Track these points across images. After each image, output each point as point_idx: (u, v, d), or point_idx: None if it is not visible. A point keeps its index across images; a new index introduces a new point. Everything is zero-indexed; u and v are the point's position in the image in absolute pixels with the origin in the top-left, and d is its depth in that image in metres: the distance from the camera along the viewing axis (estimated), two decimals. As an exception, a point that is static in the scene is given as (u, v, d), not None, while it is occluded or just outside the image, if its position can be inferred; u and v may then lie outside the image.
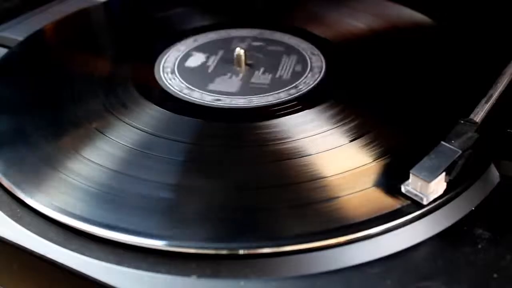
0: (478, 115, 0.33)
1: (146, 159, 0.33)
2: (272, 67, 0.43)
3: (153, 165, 0.33)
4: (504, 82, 0.36)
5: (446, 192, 0.29)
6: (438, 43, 0.46)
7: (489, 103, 0.34)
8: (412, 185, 0.29)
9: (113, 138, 0.35)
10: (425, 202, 0.29)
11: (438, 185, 0.29)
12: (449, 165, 0.29)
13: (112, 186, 0.31)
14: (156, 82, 0.42)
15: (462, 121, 0.32)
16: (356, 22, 0.49)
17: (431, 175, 0.28)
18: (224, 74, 0.43)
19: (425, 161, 0.29)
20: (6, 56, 0.47)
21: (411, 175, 0.29)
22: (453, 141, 0.31)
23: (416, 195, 0.29)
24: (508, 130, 0.34)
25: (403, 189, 0.29)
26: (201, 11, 0.54)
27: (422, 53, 0.44)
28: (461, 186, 0.30)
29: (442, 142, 0.31)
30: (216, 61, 0.45)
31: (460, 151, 0.30)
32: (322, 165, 0.32)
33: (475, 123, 0.33)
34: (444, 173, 0.29)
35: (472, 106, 0.34)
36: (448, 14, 0.50)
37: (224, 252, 0.27)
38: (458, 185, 0.30)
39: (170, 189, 0.31)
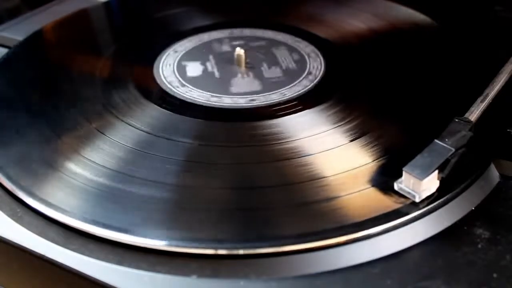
0: (474, 114, 0.33)
1: (146, 159, 0.33)
2: (271, 68, 0.43)
3: (153, 165, 0.33)
4: (500, 82, 0.37)
5: (446, 191, 0.29)
6: (437, 43, 0.46)
7: (484, 102, 0.34)
8: (404, 183, 0.29)
9: (113, 138, 0.35)
10: (417, 200, 0.29)
11: (431, 183, 0.29)
12: (442, 163, 0.29)
13: (112, 186, 0.31)
14: (156, 82, 0.42)
15: (456, 120, 0.32)
16: (356, 22, 0.49)
17: (424, 173, 0.28)
18: (224, 74, 0.43)
19: (418, 159, 0.29)
20: (6, 56, 0.47)
21: (404, 172, 0.29)
22: (446, 139, 0.31)
23: (408, 192, 0.29)
24: (508, 130, 0.34)
25: (396, 187, 0.30)
26: (201, 11, 0.54)
27: (422, 53, 0.44)
28: (461, 186, 0.30)
29: (436, 140, 0.31)
30: (216, 61, 0.45)
31: (453, 149, 0.30)
32: (322, 165, 0.32)
33: (470, 121, 0.33)
34: (436, 171, 0.29)
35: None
36: (447, 14, 0.50)
37: (224, 252, 0.27)
38: (458, 185, 0.30)
39: (170, 189, 0.31)
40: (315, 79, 0.41)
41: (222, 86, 0.41)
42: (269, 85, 0.41)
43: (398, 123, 0.36)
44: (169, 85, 0.41)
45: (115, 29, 0.54)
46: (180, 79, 0.42)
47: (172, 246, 0.27)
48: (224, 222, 0.29)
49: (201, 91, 0.40)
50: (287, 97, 0.39)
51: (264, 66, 0.44)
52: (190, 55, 0.46)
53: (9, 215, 0.30)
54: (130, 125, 0.36)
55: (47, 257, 0.28)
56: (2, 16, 0.62)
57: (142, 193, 0.31)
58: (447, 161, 0.30)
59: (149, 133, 0.36)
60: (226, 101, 0.39)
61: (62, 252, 0.28)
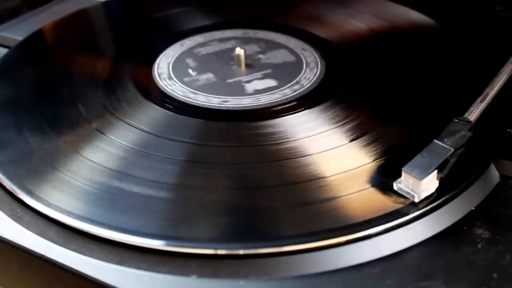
0: (473, 114, 0.33)
1: (146, 159, 0.33)
2: (272, 68, 0.43)
3: (153, 165, 0.33)
4: (500, 82, 0.36)
5: (445, 192, 0.29)
6: (437, 43, 0.46)
7: (484, 102, 0.34)
8: (404, 183, 0.29)
9: (113, 138, 0.35)
10: (416, 200, 0.29)
11: (430, 183, 0.29)
12: (441, 163, 0.29)
13: (112, 186, 0.31)
14: (156, 82, 0.42)
15: (456, 120, 0.32)
16: (356, 22, 0.49)
17: (423, 173, 0.28)
18: (223, 74, 0.43)
19: (417, 159, 0.29)
20: (6, 56, 0.47)
21: (403, 172, 0.29)
22: (446, 140, 0.31)
23: (408, 192, 0.29)
24: (508, 130, 0.34)
25: (395, 187, 0.30)
26: (201, 11, 0.54)
27: (422, 53, 0.44)
28: (461, 186, 0.30)
29: (435, 140, 0.31)
30: (215, 61, 0.45)
31: (452, 149, 0.30)
32: (322, 165, 0.32)
33: (469, 122, 0.33)
34: (436, 171, 0.29)
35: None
36: (447, 14, 0.50)
37: (224, 252, 0.27)
38: (458, 185, 0.30)
39: (170, 189, 0.31)
40: (315, 79, 0.41)
41: (222, 87, 0.41)
42: (269, 86, 0.41)
43: (398, 123, 0.36)
44: (168, 86, 0.41)
45: (115, 29, 0.54)
46: (180, 79, 0.42)
47: (172, 246, 0.27)
48: (224, 222, 0.29)
49: (201, 92, 0.40)
50: (287, 98, 0.39)
51: (264, 67, 0.44)
52: (190, 55, 0.46)
53: (9, 215, 0.30)
54: (130, 125, 0.36)
55: (47, 257, 0.28)
56: (2, 16, 0.62)
57: (142, 193, 0.31)
58: (446, 161, 0.30)
59: (149, 133, 0.36)
60: (226, 102, 0.39)
61: (62, 252, 0.28)
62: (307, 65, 0.43)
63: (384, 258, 0.27)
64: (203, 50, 0.46)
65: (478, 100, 0.35)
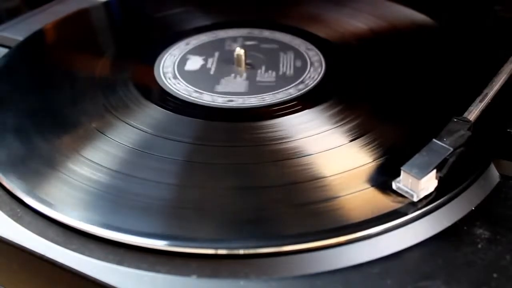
0: (472, 114, 0.33)
1: (146, 159, 0.33)
2: (272, 68, 0.43)
3: (153, 165, 0.33)
4: (500, 82, 0.37)
5: (445, 191, 0.29)
6: (437, 43, 0.46)
7: (483, 102, 0.34)
8: (403, 182, 0.29)
9: (113, 138, 0.35)
10: (415, 199, 0.29)
11: (429, 182, 0.29)
12: (440, 163, 0.29)
13: (112, 186, 0.31)
14: (156, 82, 0.42)
15: (455, 119, 0.32)
16: (356, 22, 0.49)
17: (422, 172, 0.29)
18: (224, 74, 0.43)
19: (416, 158, 0.29)
20: (6, 56, 0.47)
21: (402, 172, 0.29)
22: (445, 139, 0.31)
23: (406, 192, 0.29)
24: (508, 130, 0.34)
25: (394, 186, 0.30)
26: (201, 11, 0.54)
27: (421, 53, 0.44)
28: (461, 186, 0.30)
29: (434, 140, 0.31)
30: (215, 61, 0.45)
31: (451, 149, 0.30)
32: (322, 165, 0.32)
33: (468, 121, 0.33)
34: (435, 171, 0.29)
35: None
36: (446, 14, 0.50)
37: (224, 252, 0.27)
38: (458, 185, 0.30)
39: (170, 189, 0.31)
40: (315, 79, 0.41)
41: (222, 87, 0.41)
42: (269, 86, 0.41)
43: (398, 123, 0.36)
44: (168, 85, 0.41)
45: (115, 29, 0.54)
46: (180, 79, 0.42)
47: (172, 246, 0.27)
48: (224, 222, 0.29)
49: (201, 92, 0.40)
50: (287, 98, 0.39)
51: (264, 67, 0.44)
52: (190, 56, 0.46)
53: (9, 215, 0.30)
54: (130, 125, 0.36)
55: (47, 257, 0.28)
56: (2, 16, 0.62)
57: (142, 193, 0.31)
58: (445, 160, 0.30)
59: (149, 133, 0.36)
60: (227, 102, 0.39)
61: (62, 252, 0.28)
62: (311, 64, 0.43)
63: (384, 258, 0.27)
64: (204, 50, 0.46)
65: (478, 99, 0.35)
